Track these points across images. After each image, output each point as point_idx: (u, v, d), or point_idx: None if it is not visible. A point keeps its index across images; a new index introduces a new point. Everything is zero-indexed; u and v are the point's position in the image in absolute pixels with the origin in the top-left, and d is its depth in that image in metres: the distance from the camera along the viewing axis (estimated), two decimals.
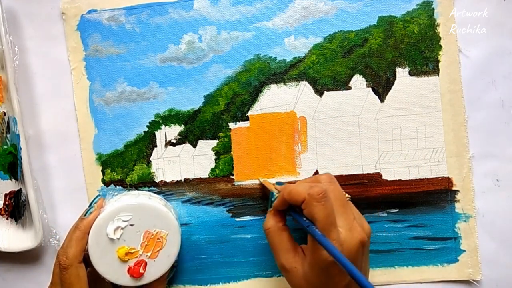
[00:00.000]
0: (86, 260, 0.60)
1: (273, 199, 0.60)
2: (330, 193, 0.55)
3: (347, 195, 0.60)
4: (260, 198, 0.68)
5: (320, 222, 0.52)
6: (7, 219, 0.70)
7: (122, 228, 0.59)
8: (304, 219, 0.55)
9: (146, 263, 0.60)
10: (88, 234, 0.60)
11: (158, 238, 0.60)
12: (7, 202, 0.69)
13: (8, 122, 0.68)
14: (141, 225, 0.60)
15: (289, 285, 0.58)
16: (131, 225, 0.60)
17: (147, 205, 0.61)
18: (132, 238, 0.60)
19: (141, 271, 0.60)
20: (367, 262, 0.58)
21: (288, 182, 0.67)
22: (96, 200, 0.63)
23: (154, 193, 0.68)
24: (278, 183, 0.65)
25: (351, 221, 0.55)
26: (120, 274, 0.59)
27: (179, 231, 0.62)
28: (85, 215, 0.61)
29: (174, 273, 0.69)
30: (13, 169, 0.69)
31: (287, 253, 0.57)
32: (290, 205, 0.58)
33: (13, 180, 0.69)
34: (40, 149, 0.70)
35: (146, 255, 0.60)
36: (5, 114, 0.68)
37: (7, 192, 0.69)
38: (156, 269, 0.60)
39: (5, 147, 0.69)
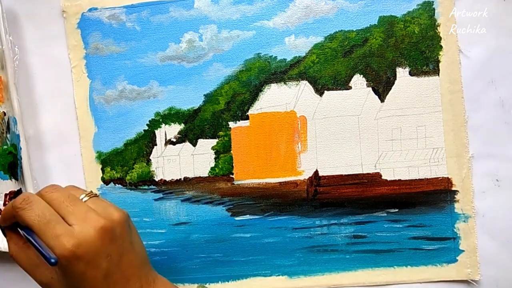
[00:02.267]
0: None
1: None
2: (53, 201, 0.53)
3: (93, 192, 0.57)
4: (260, 197, 0.68)
5: (34, 225, 0.51)
6: None
7: None
8: (21, 232, 0.54)
9: None
10: None
11: None
12: (7, 202, 0.69)
13: (8, 122, 0.68)
14: None
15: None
16: None
17: None
18: None
19: None
20: (132, 241, 0.56)
21: (290, 182, 0.67)
22: None
23: (153, 192, 0.69)
24: None
25: (84, 214, 0.53)
26: None
27: None
28: None
29: None
30: (13, 169, 0.69)
31: (39, 268, 0.55)
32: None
33: (13, 180, 0.69)
34: (40, 149, 0.70)
35: None
36: (5, 114, 0.68)
37: (7, 192, 0.69)
38: None
39: (5, 147, 0.69)
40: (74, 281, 0.52)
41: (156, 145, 0.70)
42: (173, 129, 0.69)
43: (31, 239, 0.52)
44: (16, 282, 0.71)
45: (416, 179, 0.67)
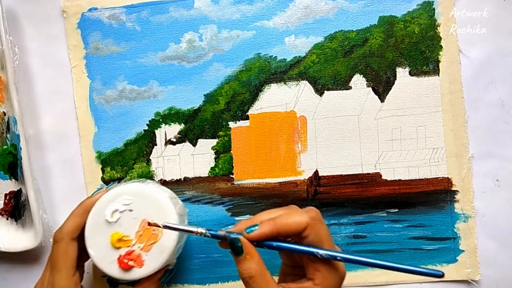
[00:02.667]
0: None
1: (239, 244, 0.51)
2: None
3: None
4: (260, 197, 0.68)
5: (327, 241, 0.51)
6: (7, 219, 0.70)
7: (121, 212, 0.57)
8: (303, 247, 0.51)
9: (137, 257, 0.56)
10: (89, 213, 0.58)
11: (154, 230, 0.57)
12: (7, 202, 0.69)
13: (8, 122, 0.68)
14: (140, 212, 0.57)
15: None
16: (130, 210, 0.57)
17: (150, 193, 0.58)
18: (128, 224, 0.57)
19: (130, 263, 0.56)
20: None
21: (290, 182, 0.67)
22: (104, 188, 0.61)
23: None
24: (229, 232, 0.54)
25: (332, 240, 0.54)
26: (109, 261, 0.56)
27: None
28: (92, 195, 0.60)
29: (169, 278, 0.67)
30: (13, 169, 0.69)
31: None
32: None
33: (13, 180, 0.70)
34: (40, 149, 0.70)
35: (139, 246, 0.56)
36: (5, 114, 0.68)
37: (7, 192, 0.69)
38: (147, 265, 0.57)
39: (5, 147, 0.69)
40: None
41: (156, 145, 0.70)
42: (173, 129, 0.69)
43: (324, 253, 0.50)
44: (16, 282, 0.71)
45: (416, 179, 0.67)
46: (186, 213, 0.64)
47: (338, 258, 0.50)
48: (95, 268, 0.68)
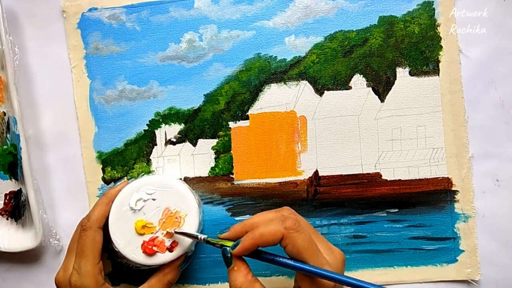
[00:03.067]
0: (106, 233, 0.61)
1: (229, 255, 0.54)
2: (301, 221, 0.53)
3: None
4: (260, 197, 0.68)
5: (306, 251, 0.50)
6: (7, 219, 0.70)
7: (144, 201, 0.60)
8: (284, 259, 0.53)
9: (160, 242, 0.60)
10: (113, 202, 0.61)
11: (176, 218, 0.60)
12: (7, 202, 0.69)
13: (8, 122, 0.68)
14: (162, 201, 0.60)
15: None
16: (153, 199, 0.60)
17: (172, 183, 0.62)
18: (151, 212, 0.60)
19: (154, 249, 0.59)
20: None
21: (290, 182, 0.67)
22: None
23: None
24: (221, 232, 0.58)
25: (327, 244, 0.54)
26: (133, 248, 0.60)
27: (198, 216, 0.61)
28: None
29: (188, 265, 0.69)
30: (13, 169, 0.69)
31: None
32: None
33: (13, 180, 0.70)
34: (40, 149, 0.70)
35: (162, 233, 0.60)
36: (5, 114, 0.68)
37: (7, 192, 0.70)
38: (170, 251, 0.60)
39: (5, 147, 0.69)
40: None
41: (156, 145, 0.70)
42: (173, 129, 0.69)
43: (304, 267, 0.51)
44: (16, 282, 0.71)
45: (416, 179, 0.67)
46: (202, 204, 0.68)
47: (307, 271, 0.51)
48: None
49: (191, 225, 0.61)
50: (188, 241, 0.60)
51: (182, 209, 0.60)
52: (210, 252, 0.69)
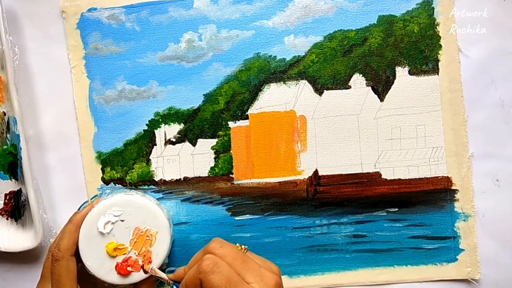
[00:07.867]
0: (78, 256, 0.60)
1: None
2: (226, 257, 0.53)
3: (243, 246, 0.58)
4: (260, 197, 0.68)
5: None
6: (7, 219, 0.70)
7: (113, 223, 0.60)
8: None
9: (134, 262, 0.60)
10: (80, 227, 0.60)
11: (147, 236, 0.60)
12: (7, 202, 0.69)
13: (8, 122, 0.68)
14: (131, 221, 0.61)
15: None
16: (122, 220, 0.60)
17: (138, 201, 0.62)
18: (121, 234, 0.60)
19: (129, 269, 0.60)
20: None
21: (289, 181, 0.67)
22: (93, 199, 0.64)
23: (153, 192, 0.69)
24: (169, 271, 0.63)
25: (259, 271, 0.53)
26: (108, 270, 0.60)
27: (169, 231, 0.62)
28: (79, 209, 0.62)
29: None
30: (13, 169, 0.69)
31: None
32: None
33: (13, 180, 0.70)
34: (40, 149, 0.70)
35: (135, 253, 0.60)
36: (5, 114, 0.68)
37: (7, 192, 0.70)
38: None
39: (5, 147, 0.69)
40: None
41: (155, 145, 0.70)
42: (172, 129, 0.69)
43: None
44: (16, 282, 0.71)
45: (416, 178, 0.67)
46: (171, 217, 0.68)
47: None
48: None
49: (163, 242, 0.61)
50: (162, 256, 0.61)
51: (152, 226, 0.61)
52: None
